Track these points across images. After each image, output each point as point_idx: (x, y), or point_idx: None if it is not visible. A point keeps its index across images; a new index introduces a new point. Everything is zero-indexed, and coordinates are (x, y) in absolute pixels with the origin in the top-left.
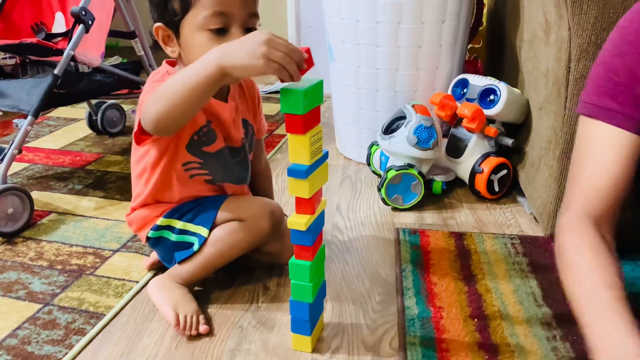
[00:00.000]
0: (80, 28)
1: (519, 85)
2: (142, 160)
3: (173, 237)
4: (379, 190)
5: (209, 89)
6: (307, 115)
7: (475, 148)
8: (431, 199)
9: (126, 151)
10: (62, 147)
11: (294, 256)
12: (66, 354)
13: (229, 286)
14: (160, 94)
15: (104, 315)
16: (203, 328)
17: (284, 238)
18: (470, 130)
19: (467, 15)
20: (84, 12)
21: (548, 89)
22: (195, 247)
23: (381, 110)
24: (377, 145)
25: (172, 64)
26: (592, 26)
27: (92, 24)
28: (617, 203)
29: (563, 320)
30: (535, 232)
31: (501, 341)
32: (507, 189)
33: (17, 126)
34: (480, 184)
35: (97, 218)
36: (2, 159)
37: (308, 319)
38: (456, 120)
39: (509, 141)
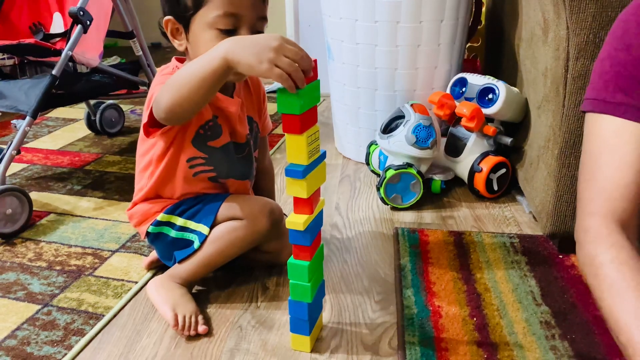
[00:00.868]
0: (78, 28)
1: (518, 84)
2: (148, 153)
3: (173, 233)
4: (378, 189)
5: (216, 80)
6: (304, 115)
7: (474, 147)
8: (430, 198)
9: (125, 151)
10: (60, 147)
11: (292, 256)
12: (65, 354)
13: (228, 286)
14: (171, 83)
15: (103, 315)
16: (202, 328)
17: (283, 237)
18: (469, 129)
19: (466, 14)
20: (81, 13)
21: (546, 87)
22: (196, 245)
23: (380, 109)
24: (376, 144)
25: (181, 60)
26: (590, 25)
27: (90, 24)
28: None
29: (562, 319)
30: (534, 230)
31: (500, 340)
32: (506, 187)
33: (15, 127)
34: (479, 183)
35: (96, 218)
36: (1, 160)
37: (307, 318)
38: (455, 120)
39: (507, 140)
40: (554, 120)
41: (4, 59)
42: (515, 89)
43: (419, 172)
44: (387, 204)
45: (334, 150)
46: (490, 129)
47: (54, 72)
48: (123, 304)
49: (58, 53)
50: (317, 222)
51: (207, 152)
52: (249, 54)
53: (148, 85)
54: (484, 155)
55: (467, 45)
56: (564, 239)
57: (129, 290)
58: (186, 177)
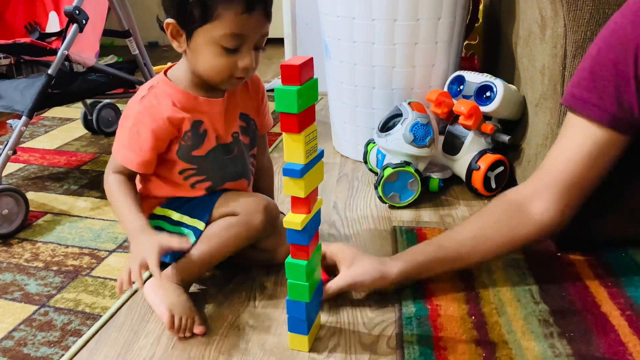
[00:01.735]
0: (74, 27)
1: (515, 82)
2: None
3: (168, 227)
4: (376, 188)
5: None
6: (302, 114)
7: (471, 145)
8: (428, 197)
9: None
10: (57, 147)
11: (290, 255)
12: (62, 355)
13: (225, 286)
14: (108, 192)
15: (100, 316)
16: (199, 329)
17: (279, 235)
18: (467, 127)
19: (463, 12)
20: (77, 12)
21: (544, 85)
22: (192, 241)
23: (377, 107)
24: (374, 143)
25: (168, 71)
26: (588, 22)
27: (86, 23)
28: (570, 190)
29: (561, 317)
30: None
31: (499, 339)
32: (503, 185)
33: (11, 127)
34: (477, 181)
35: (93, 218)
36: None
37: (305, 318)
38: (452, 118)
39: (505, 138)
40: (552, 118)
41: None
42: (513, 87)
43: (416, 171)
44: (385, 203)
45: (332, 149)
46: (488, 126)
47: (49, 71)
48: (120, 305)
49: (54, 52)
50: (315, 221)
51: (195, 163)
52: (132, 249)
53: None
54: (482, 153)
55: (464, 43)
56: (562, 237)
57: (126, 290)
58: (185, 188)
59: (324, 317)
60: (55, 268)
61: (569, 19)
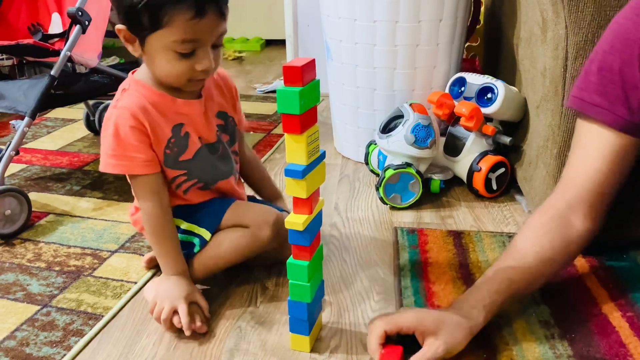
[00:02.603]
0: (76, 29)
1: (517, 84)
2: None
3: (177, 235)
4: (377, 189)
5: None
6: (304, 115)
7: (473, 146)
8: (429, 198)
9: None
10: (59, 148)
11: (292, 256)
12: (64, 355)
13: (227, 286)
14: (149, 227)
15: (103, 316)
16: (199, 324)
17: (284, 238)
18: (468, 129)
19: (464, 14)
20: (80, 13)
21: (545, 87)
22: (196, 249)
23: (379, 109)
24: (375, 144)
25: (134, 73)
26: (589, 24)
27: (88, 24)
28: (599, 198)
29: (561, 318)
30: None
31: (499, 340)
32: (505, 187)
33: (14, 127)
34: (478, 182)
35: (95, 219)
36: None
37: (306, 318)
38: (454, 119)
39: (506, 139)
40: (553, 120)
41: (2, 59)
42: (514, 89)
43: (418, 172)
44: (386, 204)
45: (333, 150)
46: (489, 128)
47: (52, 72)
48: (122, 305)
49: (57, 53)
50: (317, 222)
51: (184, 167)
52: (164, 287)
53: None
54: (483, 154)
55: (465, 45)
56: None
57: (128, 290)
58: (179, 196)
59: (325, 318)
60: (57, 268)
61: (570, 21)
